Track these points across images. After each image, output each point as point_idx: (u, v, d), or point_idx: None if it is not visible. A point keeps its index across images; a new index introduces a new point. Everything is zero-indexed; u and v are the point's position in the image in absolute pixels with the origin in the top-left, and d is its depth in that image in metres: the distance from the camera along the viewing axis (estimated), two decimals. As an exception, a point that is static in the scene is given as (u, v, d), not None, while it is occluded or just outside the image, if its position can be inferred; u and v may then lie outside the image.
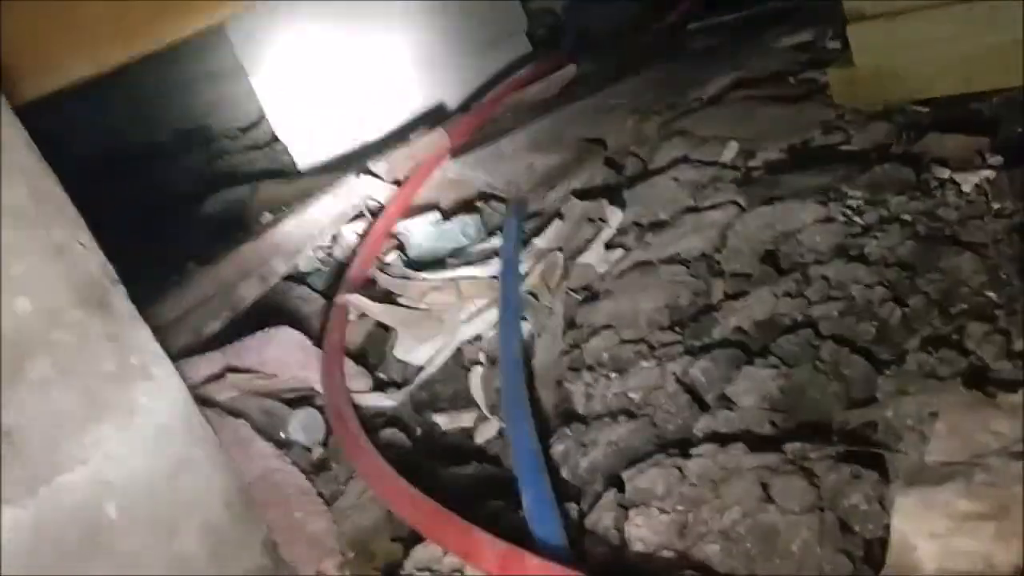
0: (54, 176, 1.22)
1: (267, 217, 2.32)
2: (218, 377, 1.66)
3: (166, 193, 3.82)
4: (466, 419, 1.67)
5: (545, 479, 1.22)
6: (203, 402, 1.45)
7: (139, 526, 1.19)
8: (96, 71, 2.63)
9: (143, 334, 1.28)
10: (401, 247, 2.13)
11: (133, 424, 1.21)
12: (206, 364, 1.69)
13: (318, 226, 2.22)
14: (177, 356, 1.48)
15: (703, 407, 1.34)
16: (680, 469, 1.20)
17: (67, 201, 1.23)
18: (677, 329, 1.54)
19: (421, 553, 1.28)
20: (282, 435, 1.59)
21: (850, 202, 1.65)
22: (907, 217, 1.57)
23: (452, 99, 3.00)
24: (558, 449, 1.39)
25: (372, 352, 1.89)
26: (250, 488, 1.38)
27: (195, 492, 1.27)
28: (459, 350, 1.77)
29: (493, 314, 1.77)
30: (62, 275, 1.19)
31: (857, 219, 1.61)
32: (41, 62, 2.48)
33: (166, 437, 1.25)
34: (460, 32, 3.04)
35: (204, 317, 1.89)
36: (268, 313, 2.00)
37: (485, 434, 1.61)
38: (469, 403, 1.70)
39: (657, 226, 1.83)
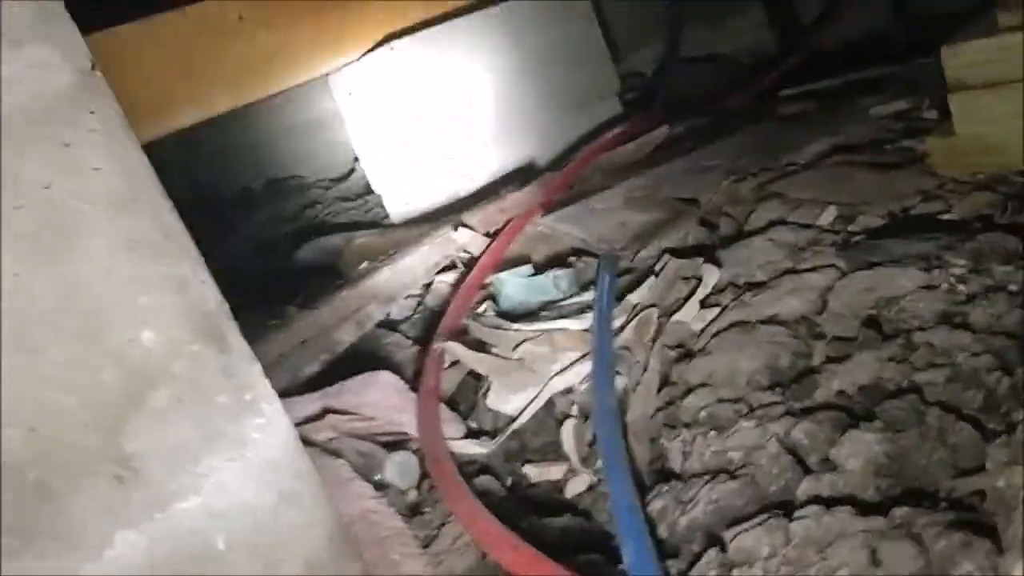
0: (177, 213, 1.29)
1: (364, 265, 2.38)
2: (317, 418, 1.70)
3: (259, 239, 3.95)
4: (556, 471, 1.67)
5: (646, 534, 1.22)
6: (304, 441, 1.49)
7: (245, 557, 1.22)
8: (206, 117, 2.77)
9: (255, 370, 1.32)
10: (493, 298, 2.16)
11: (243, 457, 1.25)
12: (305, 404, 1.74)
13: (412, 275, 2.27)
14: (278, 395, 1.52)
15: (806, 469, 1.32)
16: (784, 530, 1.19)
17: (189, 238, 1.29)
18: (777, 390, 1.52)
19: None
20: (378, 477, 1.61)
21: (953, 270, 1.63)
22: (1013, 287, 1.54)
23: (544, 156, 3.06)
24: (656, 506, 1.39)
25: (463, 399, 1.91)
26: (348, 527, 1.40)
27: (298, 527, 1.30)
28: (551, 402, 1.78)
29: (586, 367, 1.78)
30: (184, 309, 1.24)
31: (961, 287, 1.59)
32: (157, 107, 2.62)
33: (273, 471, 1.28)
34: (555, 91, 3.10)
35: (303, 359, 1.94)
36: (363, 357, 2.05)
37: (575, 488, 1.61)
38: (559, 455, 1.70)
39: (754, 287, 1.83)
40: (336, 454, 1.60)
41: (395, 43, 2.83)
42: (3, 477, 1.07)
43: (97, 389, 1.13)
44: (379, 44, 2.94)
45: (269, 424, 1.30)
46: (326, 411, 1.73)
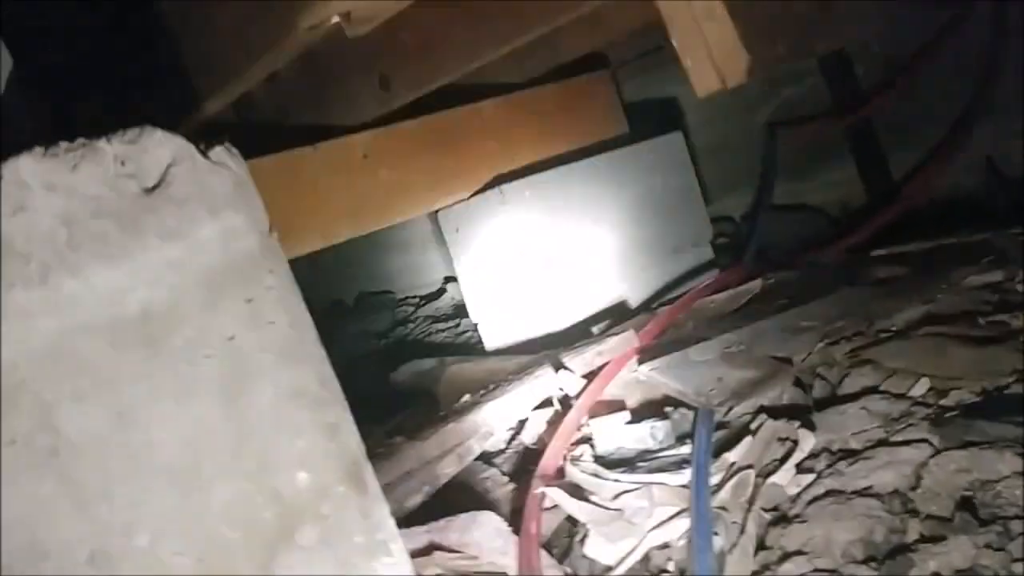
0: (330, 363, 1.43)
1: (467, 398, 2.50)
2: (423, 553, 1.80)
3: (353, 354, 4.11)
4: (649, 627, 1.73)
5: None
6: (415, 577, 1.58)
7: None
8: (325, 244, 2.98)
9: (386, 510, 1.43)
10: (590, 442, 2.25)
11: (376, 595, 1.35)
12: (412, 538, 1.84)
13: (511, 411, 2.38)
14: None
15: (903, 651, 1.37)
16: None
17: (338, 384, 1.43)
18: (872, 564, 1.57)
19: None
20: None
21: (1051, 457, 1.67)
22: (1115, 478, 1.58)
23: (637, 297, 3.18)
24: (753, 673, 1.44)
25: (558, 543, 1.98)
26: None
27: (416, 665, 1.38)
28: (647, 555, 1.85)
29: (683, 523, 1.85)
30: (333, 453, 1.37)
31: (1058, 475, 1.63)
32: (285, 235, 2.83)
33: (401, 609, 1.38)
34: (651, 237, 3.25)
35: (408, 490, 2.05)
36: (461, 490, 2.15)
37: (668, 646, 1.67)
38: (653, 610, 1.76)
39: (848, 454, 1.89)
40: (446, 589, 1.69)
41: (504, 186, 3.02)
42: (171, 602, 1.18)
43: (257, 525, 1.25)
44: (488, 185, 3.14)
45: (396, 564, 1.40)
46: (432, 547, 1.83)
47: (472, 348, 3.56)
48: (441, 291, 4.50)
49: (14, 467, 1.11)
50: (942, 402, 1.99)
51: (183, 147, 1.33)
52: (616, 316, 3.05)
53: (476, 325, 3.33)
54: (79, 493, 1.15)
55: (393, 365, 3.47)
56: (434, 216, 3.31)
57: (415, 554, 1.80)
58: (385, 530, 1.42)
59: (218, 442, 1.24)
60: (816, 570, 1.61)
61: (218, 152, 1.36)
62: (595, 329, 2.92)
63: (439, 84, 2.78)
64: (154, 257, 1.25)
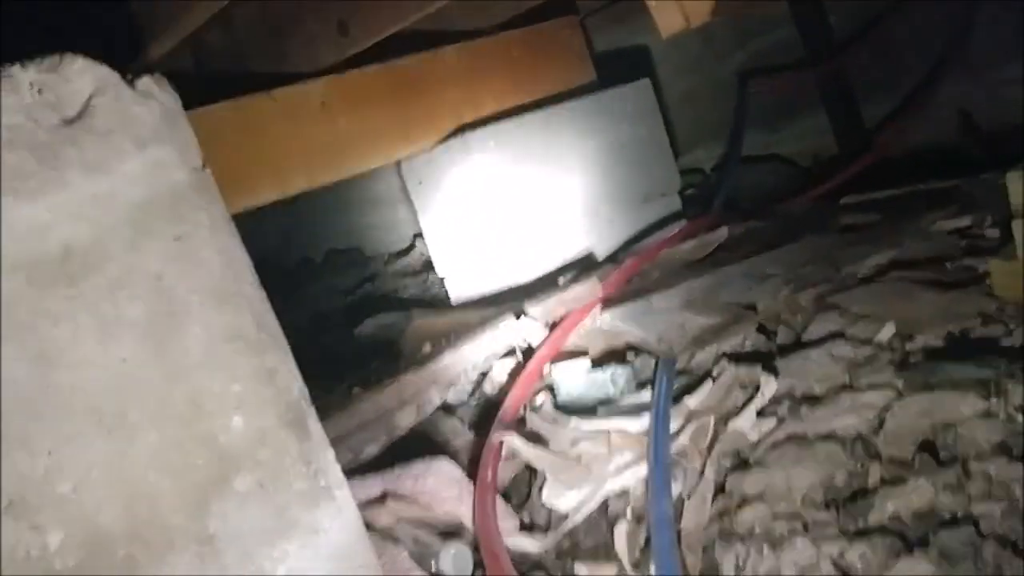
0: (270, 305, 1.37)
1: (427, 348, 2.45)
2: (377, 501, 1.75)
3: (318, 311, 4.05)
4: (607, 572, 1.69)
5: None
6: (365, 525, 1.54)
7: (310, 642, 1.26)
8: (281, 195, 2.90)
9: (330, 457, 1.39)
10: (551, 390, 2.21)
11: (315, 543, 1.30)
12: (366, 487, 1.79)
13: (473, 361, 2.33)
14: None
15: (859, 593, 1.34)
16: (837, 656, 1.20)
17: (279, 329, 1.37)
18: (832, 509, 1.55)
19: None
20: (432, 567, 1.65)
21: (1013, 400, 1.65)
22: (1073, 418, 1.56)
23: (604, 248, 3.13)
24: (708, 618, 1.41)
25: (517, 492, 1.95)
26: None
27: (361, 615, 1.34)
28: (605, 502, 1.81)
29: (641, 470, 1.81)
30: (271, 398, 1.31)
31: (1020, 418, 1.60)
32: (238, 185, 2.75)
33: (341, 558, 1.33)
34: (618, 187, 3.19)
35: (364, 440, 2.00)
36: (420, 440, 2.10)
37: (624, 592, 1.64)
38: (611, 557, 1.73)
39: (811, 400, 1.86)
40: (395, 540, 1.65)
41: (468, 135, 2.95)
42: (97, 548, 1.13)
43: (188, 471, 1.20)
44: (452, 134, 3.06)
45: (340, 511, 1.35)
46: (386, 495, 1.79)
47: (440, 302, 3.50)
48: (411, 248, 4.44)
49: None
50: (907, 347, 1.96)
51: (107, 76, 1.25)
52: (583, 267, 3.00)
53: (443, 279, 3.27)
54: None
55: (360, 321, 3.42)
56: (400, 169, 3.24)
57: (368, 503, 1.76)
58: (329, 477, 1.37)
59: (146, 386, 1.18)
60: (775, 515, 1.58)
61: (145, 82, 1.29)
62: (561, 280, 2.87)
63: (398, 28, 2.69)
64: (76, 192, 1.18)
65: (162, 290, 1.22)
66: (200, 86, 2.83)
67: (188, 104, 1.34)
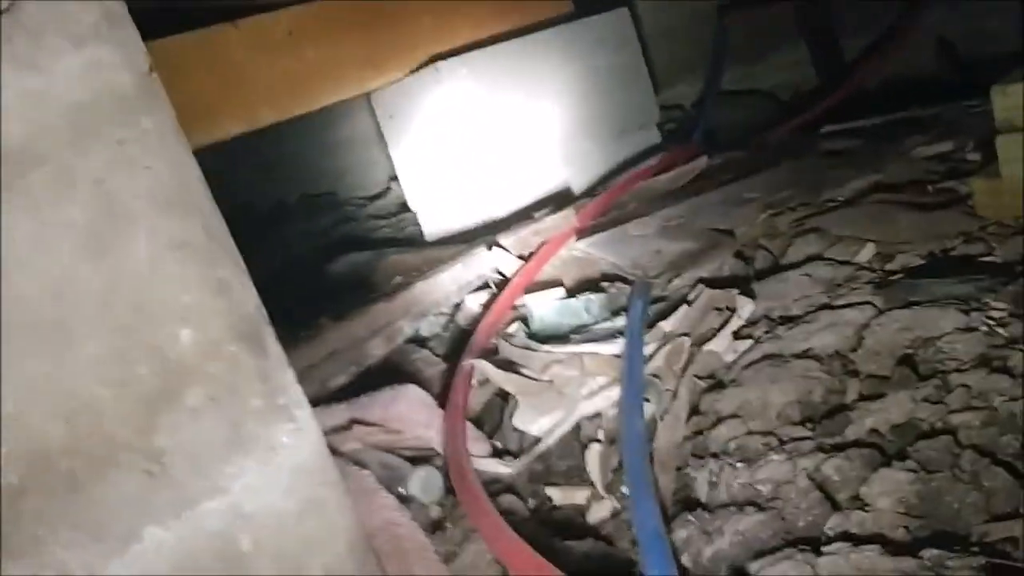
0: (221, 216, 1.30)
1: (397, 280, 2.39)
2: (343, 428, 1.71)
3: (293, 253, 3.98)
4: (580, 496, 1.66)
5: (672, 562, 1.20)
6: (331, 451, 1.49)
7: (269, 560, 1.22)
8: (248, 128, 2.81)
9: (289, 376, 1.33)
10: (524, 320, 2.16)
11: (273, 461, 1.25)
12: (333, 414, 1.74)
13: (444, 292, 2.28)
14: (308, 403, 1.53)
15: (835, 506, 1.31)
16: (811, 566, 1.17)
17: (231, 242, 1.31)
18: (808, 425, 1.51)
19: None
20: (402, 491, 1.61)
21: (993, 313, 1.61)
22: (1054, 332, 1.52)
23: (581, 182, 3.06)
24: (680, 535, 1.38)
25: (489, 418, 1.91)
26: (371, 538, 1.40)
27: (322, 533, 1.29)
28: (578, 425, 1.77)
29: (614, 393, 1.77)
30: (223, 311, 1.25)
31: (1000, 331, 1.57)
32: (203, 117, 2.67)
33: (301, 477, 1.28)
34: (596, 118, 3.11)
35: (332, 370, 1.95)
36: (391, 372, 2.05)
37: (598, 513, 1.60)
38: (584, 480, 1.69)
39: (789, 320, 1.82)
40: (361, 465, 1.60)
41: (440, 64, 2.86)
42: (38, 464, 1.08)
43: (133, 383, 1.14)
44: (424, 64, 2.97)
45: (300, 430, 1.30)
46: (353, 422, 1.74)
47: (414, 242, 3.44)
48: (387, 190, 4.36)
49: None
50: (887, 266, 1.92)
51: (37, -33, 1.17)
52: (559, 201, 2.93)
53: (416, 215, 3.20)
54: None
55: (333, 261, 3.35)
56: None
57: (335, 429, 1.71)
58: (287, 395, 1.31)
59: (86, 294, 1.12)
60: (750, 432, 1.54)
61: (81, -23, 1.21)
62: (536, 214, 2.81)
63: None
64: (6, 88, 1.11)
65: (104, 194, 1.15)
66: (164, 17, 2.73)
67: (152, 36, 1.27)
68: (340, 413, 1.76)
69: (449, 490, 1.66)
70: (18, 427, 1.08)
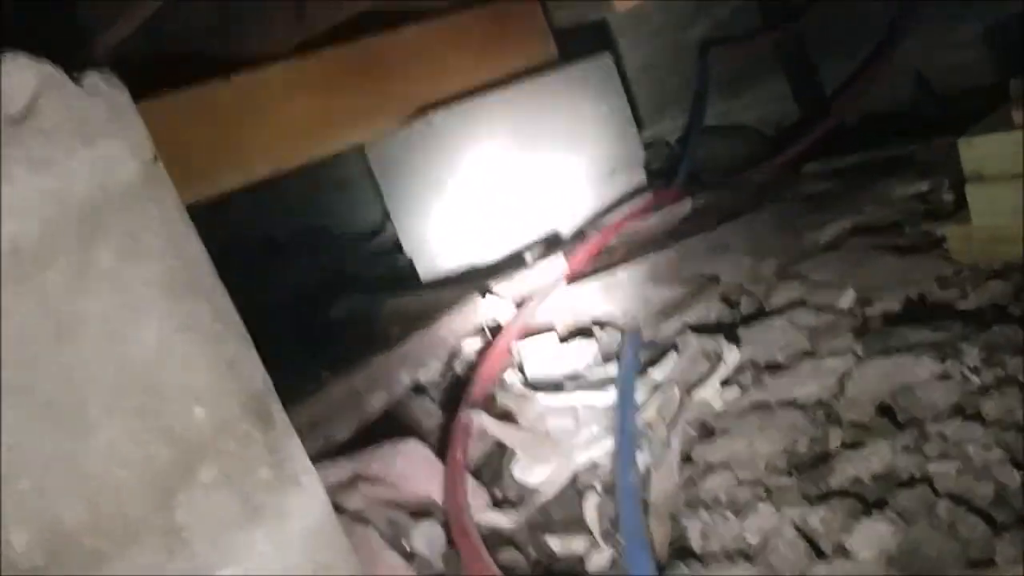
0: (228, 295, 1.37)
1: (395, 331, 2.45)
2: (347, 485, 1.76)
3: (286, 294, 4.03)
4: (578, 544, 1.71)
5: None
6: (335, 508, 1.55)
7: (283, 625, 1.27)
8: (245, 182, 2.88)
9: (295, 443, 1.39)
10: (520, 367, 2.23)
11: (283, 529, 1.31)
12: (336, 470, 1.80)
13: (441, 341, 2.34)
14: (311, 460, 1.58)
15: (819, 554, 1.37)
16: (798, 617, 1.23)
17: (239, 319, 1.37)
18: (794, 474, 1.57)
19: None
20: (405, 546, 1.67)
21: (967, 360, 1.68)
22: (1024, 380, 1.59)
23: (569, 225, 3.13)
24: (674, 585, 1.44)
25: (489, 469, 1.97)
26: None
27: (333, 595, 1.35)
28: (574, 475, 1.84)
29: (609, 442, 1.84)
30: (233, 389, 1.31)
31: (974, 378, 1.64)
32: (198, 173, 2.73)
33: (311, 542, 1.34)
34: (583, 162, 3.19)
35: (335, 425, 2.01)
36: (392, 424, 2.11)
37: (597, 562, 1.66)
38: (582, 529, 1.75)
39: (774, 368, 1.89)
40: (365, 521, 1.66)
41: (432, 116, 2.93)
42: (62, 544, 1.13)
43: (151, 463, 1.20)
44: (415, 115, 3.04)
45: (307, 496, 1.36)
46: (356, 477, 1.80)
47: (410, 281, 3.50)
48: (382, 229, 4.42)
49: None
50: (867, 312, 2.00)
51: (51, 73, 1.24)
52: (549, 243, 3.00)
53: (411, 259, 3.26)
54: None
55: (330, 302, 3.41)
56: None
57: (339, 486, 1.77)
58: (294, 463, 1.37)
59: (102, 380, 1.18)
60: (740, 482, 1.61)
61: (91, 78, 1.28)
62: (528, 257, 2.88)
63: (357, 10, 2.68)
64: (22, 189, 1.17)
65: (116, 284, 1.21)
66: (155, 71, 2.80)
67: (144, 91, 1.33)
68: (343, 469, 1.82)
69: (452, 543, 1.71)
70: (39, 507, 1.13)
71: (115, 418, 1.18)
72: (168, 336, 1.25)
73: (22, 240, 1.15)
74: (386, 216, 4.25)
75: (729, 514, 1.53)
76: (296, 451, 1.39)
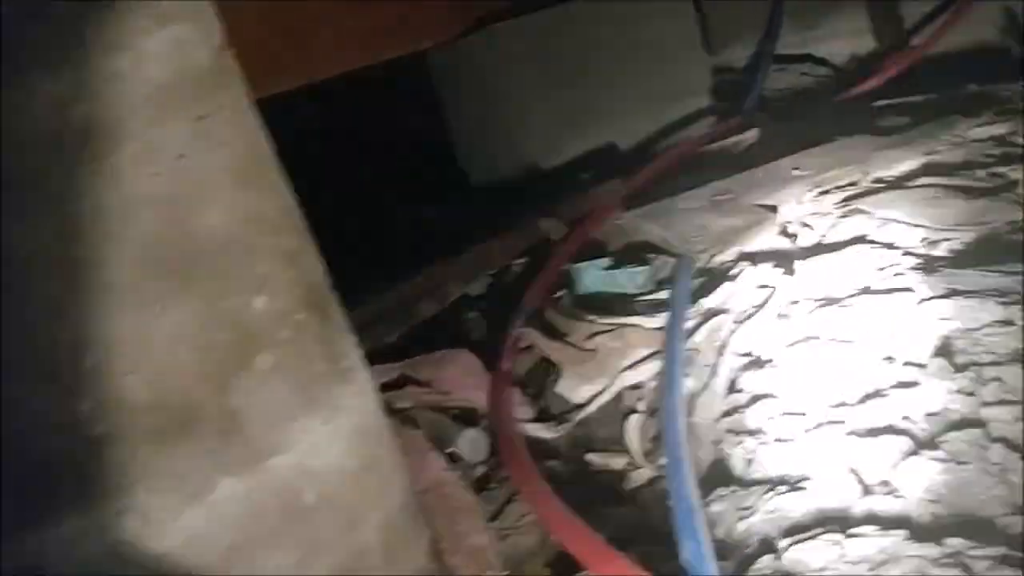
0: (291, 189, 1.38)
1: (448, 243, 2.46)
2: (396, 387, 1.79)
3: (344, 197, 4.04)
4: (618, 463, 1.73)
5: (705, 532, 1.28)
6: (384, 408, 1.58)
7: (329, 515, 1.30)
8: (309, 80, 2.87)
9: (350, 340, 1.41)
10: (570, 286, 2.22)
11: (335, 421, 1.33)
12: (386, 372, 1.83)
13: (493, 257, 2.35)
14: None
15: (865, 489, 1.37)
16: (839, 545, 1.24)
17: (300, 214, 1.38)
18: (843, 408, 1.56)
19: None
20: (449, 450, 1.70)
21: (1032, 307, 1.64)
22: (1090, 331, 1.55)
23: (629, 146, 3.09)
24: (714, 509, 1.45)
25: (534, 383, 1.98)
26: (421, 496, 1.49)
27: (378, 490, 1.38)
28: (618, 395, 1.84)
29: (655, 365, 1.84)
30: (293, 280, 1.33)
31: (1038, 326, 1.60)
32: (262, 71, 2.72)
33: (361, 436, 1.37)
34: (648, 82, 3.13)
35: (386, 329, 2.03)
36: (441, 332, 2.14)
37: (636, 480, 1.68)
38: (623, 448, 1.77)
39: (830, 303, 1.86)
40: (413, 423, 1.69)
41: (495, 27, 2.89)
42: (125, 420, 1.17)
43: (212, 348, 1.22)
44: (479, 25, 3.00)
45: (359, 392, 1.38)
46: (405, 380, 1.83)
47: (462, 193, 3.47)
48: (442, 139, 4.39)
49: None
50: (932, 252, 1.95)
51: (127, -47, 1.23)
52: (608, 163, 2.97)
53: (467, 170, 3.25)
54: (23, 310, 1.12)
55: (386, 209, 3.40)
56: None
57: (388, 387, 1.80)
58: (349, 359, 1.39)
59: (168, 263, 1.19)
60: (786, 412, 1.60)
61: (166, -40, 1.27)
62: (585, 176, 2.85)
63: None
64: (97, 68, 1.18)
65: (184, 169, 1.22)
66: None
67: None
68: (393, 371, 1.85)
69: (494, 452, 1.74)
70: (101, 384, 1.16)
71: (181, 301, 1.20)
72: (234, 223, 1.26)
73: (96, 120, 1.16)
74: (443, 125, 4.23)
75: (774, 443, 1.53)
76: (350, 347, 1.41)
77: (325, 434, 1.31)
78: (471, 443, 1.72)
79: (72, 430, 1.15)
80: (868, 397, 1.57)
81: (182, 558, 1.21)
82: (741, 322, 1.86)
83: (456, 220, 2.91)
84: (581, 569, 1.39)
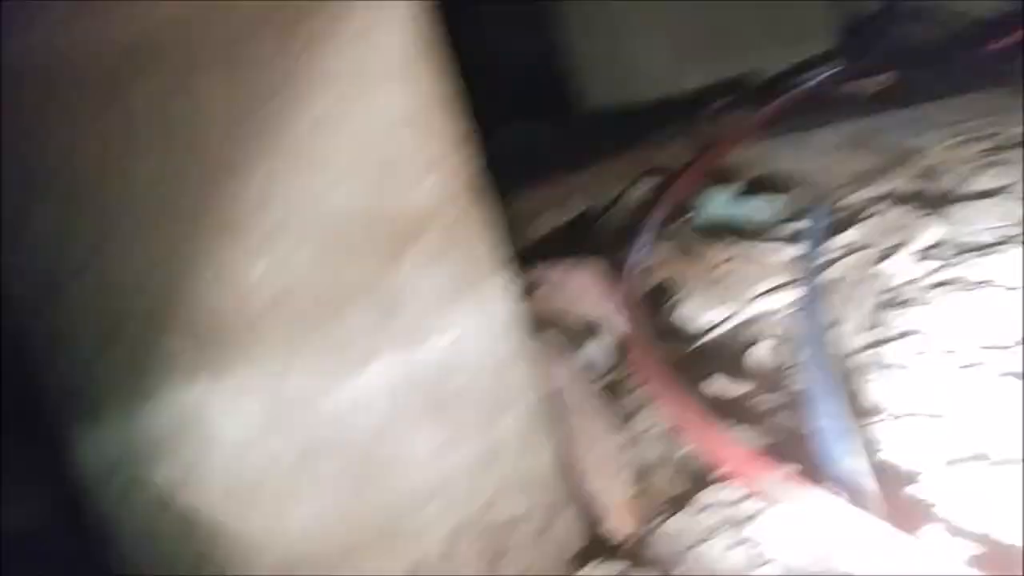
0: (459, 76, 1.38)
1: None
2: (531, 289, 1.80)
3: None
4: (742, 389, 1.72)
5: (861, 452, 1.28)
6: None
7: (474, 402, 1.33)
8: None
9: (503, 233, 1.42)
10: (696, 211, 2.20)
11: (487, 310, 1.35)
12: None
13: (621, 174, 2.33)
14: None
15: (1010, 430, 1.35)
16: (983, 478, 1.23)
17: (464, 105, 1.39)
18: (989, 351, 1.53)
19: (709, 496, 1.37)
20: (579, 355, 1.71)
21: None
22: None
23: (760, 78, 3.02)
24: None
25: (657, 304, 1.98)
26: (553, 395, 1.51)
27: (518, 384, 1.41)
28: (748, 320, 1.83)
29: (786, 295, 1.82)
30: (459, 163, 1.34)
31: None
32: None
33: (508, 329, 1.39)
34: (778, 21, 3.04)
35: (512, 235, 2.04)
36: (566, 244, 2.14)
37: (758, 407, 1.67)
38: (746, 374, 1.75)
39: (975, 248, 1.81)
40: (547, 324, 1.71)
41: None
42: (292, 284, 1.19)
43: (379, 224, 1.24)
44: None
45: (510, 284, 1.40)
46: (533, 287, 1.84)
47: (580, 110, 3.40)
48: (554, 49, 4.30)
49: (143, 136, 1.10)
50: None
51: None
52: (736, 92, 2.90)
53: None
54: (207, 165, 1.14)
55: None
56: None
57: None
58: (503, 249, 1.41)
59: (347, 135, 1.21)
60: (927, 351, 1.57)
61: None
62: (716, 102, 2.79)
63: None
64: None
65: (365, 49, 1.23)
66: None
67: None
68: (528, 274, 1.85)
69: (620, 362, 1.75)
70: (276, 243, 1.19)
71: (356, 171, 1.22)
72: (404, 111, 1.27)
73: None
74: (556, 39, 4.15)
75: (914, 380, 1.51)
76: (503, 240, 1.42)
77: (477, 322, 1.33)
78: (600, 350, 1.73)
79: (242, 293, 1.18)
80: (1017, 343, 1.53)
81: (334, 430, 1.24)
82: (881, 260, 1.82)
83: (572, 139, 2.89)
84: (714, 478, 1.40)
